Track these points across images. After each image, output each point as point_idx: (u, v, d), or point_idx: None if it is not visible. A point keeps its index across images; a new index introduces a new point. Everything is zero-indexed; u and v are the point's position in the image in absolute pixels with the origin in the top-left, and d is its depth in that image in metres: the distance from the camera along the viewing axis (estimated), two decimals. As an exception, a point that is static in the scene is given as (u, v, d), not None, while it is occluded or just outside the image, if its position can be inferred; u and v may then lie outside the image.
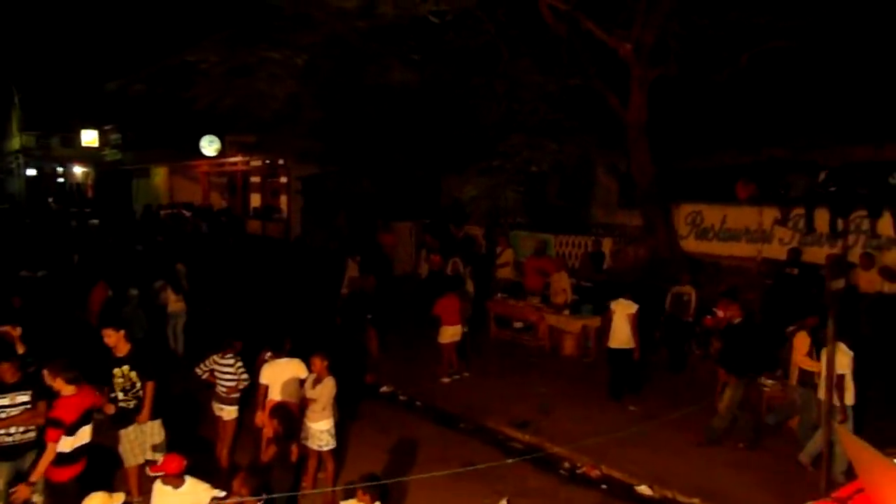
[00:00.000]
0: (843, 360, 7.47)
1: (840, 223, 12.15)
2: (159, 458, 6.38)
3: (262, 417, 7.13)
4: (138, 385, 6.84)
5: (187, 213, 28.71)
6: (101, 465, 6.58)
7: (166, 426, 7.09)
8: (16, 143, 46.05)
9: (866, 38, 11.68)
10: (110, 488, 5.36)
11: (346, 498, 5.37)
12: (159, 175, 36.35)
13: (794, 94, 12.93)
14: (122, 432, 6.88)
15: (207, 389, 7.86)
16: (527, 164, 12.64)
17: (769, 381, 9.20)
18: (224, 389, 7.58)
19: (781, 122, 13.54)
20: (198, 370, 7.75)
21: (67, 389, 5.94)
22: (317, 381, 7.11)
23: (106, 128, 41.06)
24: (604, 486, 7.78)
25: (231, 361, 7.57)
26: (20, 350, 7.26)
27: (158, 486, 5.25)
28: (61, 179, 47.35)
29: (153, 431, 6.95)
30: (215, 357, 7.65)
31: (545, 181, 17.23)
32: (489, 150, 13.10)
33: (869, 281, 10.88)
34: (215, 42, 12.36)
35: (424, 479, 6.97)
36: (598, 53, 12.91)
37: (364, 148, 18.34)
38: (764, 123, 13.78)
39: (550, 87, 12.51)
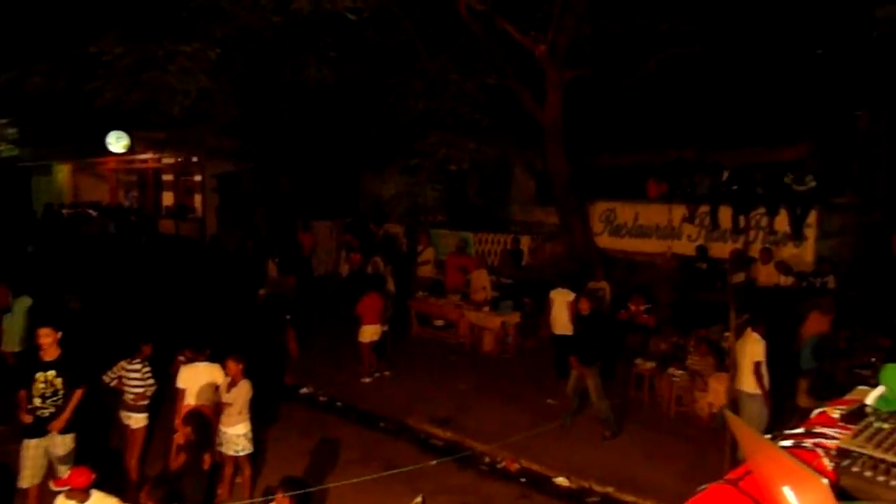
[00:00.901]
0: (758, 348, 7.87)
1: (742, 220, 12.86)
2: (65, 471, 6.02)
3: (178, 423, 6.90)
4: (61, 392, 6.42)
5: (93, 213, 27.33)
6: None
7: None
8: None
9: (763, 46, 12.38)
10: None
11: (265, 504, 5.27)
12: (62, 172, 34.40)
13: (699, 97, 13.57)
14: (25, 443, 6.42)
15: (117, 397, 7.52)
16: (445, 162, 12.71)
17: (678, 372, 9.62)
18: (131, 396, 7.27)
19: (688, 123, 14.20)
20: (105, 377, 7.40)
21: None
22: (232, 385, 6.94)
23: (1, 122, 38.52)
24: (523, 480, 7.94)
25: (138, 367, 7.26)
26: None
27: (62, 502, 4.98)
28: (-50, 177, 44.09)
29: (63, 443, 6.51)
30: (123, 363, 7.33)
31: (465, 180, 17.39)
32: (408, 149, 13.10)
33: (767, 274, 11.55)
34: (119, 33, 11.76)
35: (349, 483, 6.91)
36: (515, 54, 13.13)
37: (281, 146, 17.99)
38: (672, 125, 14.42)
39: (468, 87, 12.62)
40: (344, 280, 14.95)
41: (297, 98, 14.80)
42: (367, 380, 10.89)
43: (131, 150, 26.94)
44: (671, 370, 9.68)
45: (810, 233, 12.25)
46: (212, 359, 7.26)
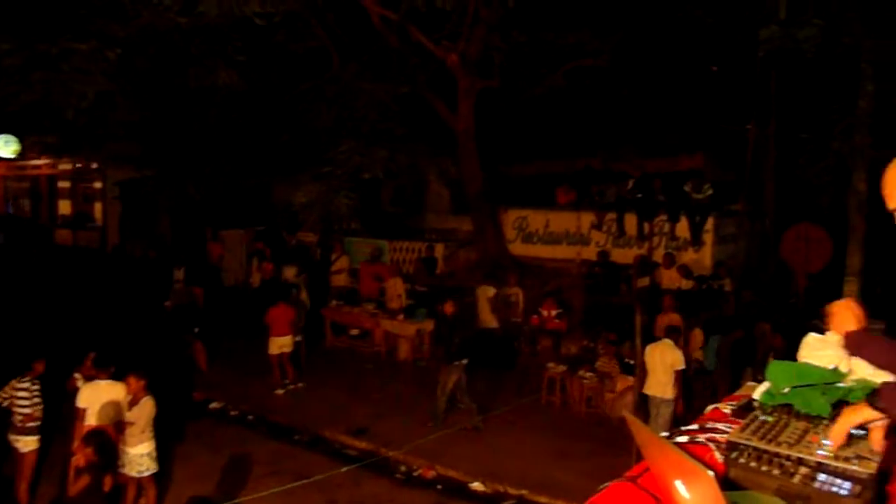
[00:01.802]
0: (678, 356, 8.13)
1: (646, 227, 13.45)
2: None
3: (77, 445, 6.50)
4: None
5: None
6: None
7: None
8: None
9: (662, 62, 13.03)
10: None
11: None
12: (-57, 179, 31.92)
13: (605, 108, 14.11)
14: None
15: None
16: (358, 170, 12.65)
17: (588, 374, 9.92)
18: (20, 418, 6.81)
19: (595, 134, 14.74)
20: (-7, 398, 6.89)
21: None
22: (133, 403, 6.62)
23: None
24: (439, 487, 7.97)
25: (26, 385, 6.81)
26: None
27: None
28: None
29: None
30: (13, 382, 6.86)
31: (379, 188, 17.34)
32: (320, 157, 12.95)
33: (670, 278, 12.11)
34: (7, 29, 11.03)
35: (259, 497, 6.73)
36: (427, 63, 13.25)
37: (188, 152, 17.35)
38: (580, 135, 14.92)
39: (381, 95, 12.63)
40: (255, 290, 14.55)
41: (206, 103, 14.35)
42: (280, 392, 10.64)
43: (22, 155, 25.28)
44: (581, 372, 9.97)
45: (708, 238, 12.95)
46: (115, 376, 6.90)
